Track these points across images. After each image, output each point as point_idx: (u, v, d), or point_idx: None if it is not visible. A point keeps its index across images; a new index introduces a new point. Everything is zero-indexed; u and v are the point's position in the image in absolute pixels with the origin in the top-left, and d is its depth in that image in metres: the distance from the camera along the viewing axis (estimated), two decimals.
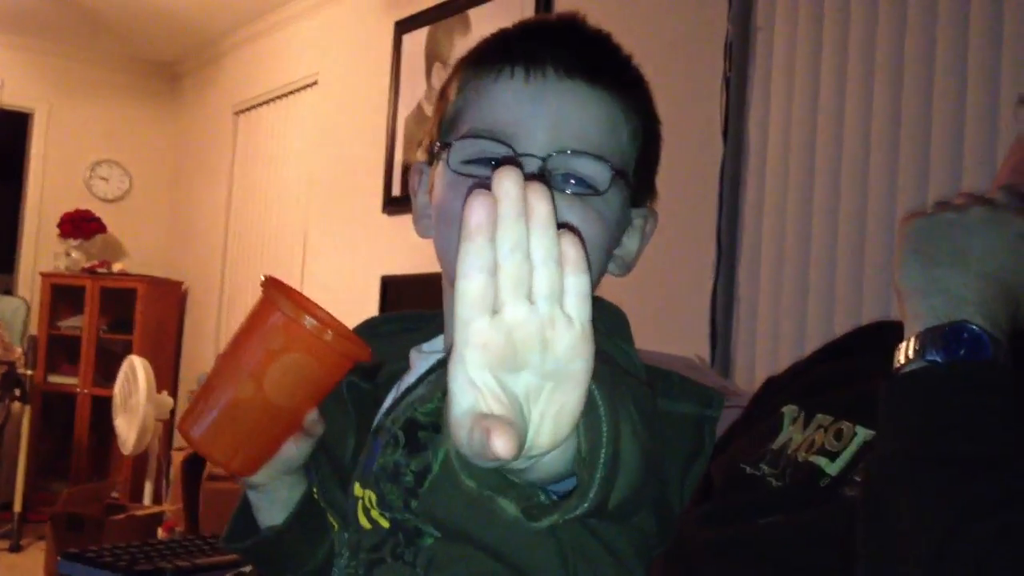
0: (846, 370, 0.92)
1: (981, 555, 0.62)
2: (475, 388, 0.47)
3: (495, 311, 0.46)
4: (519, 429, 0.47)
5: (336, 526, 0.88)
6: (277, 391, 0.78)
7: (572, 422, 0.49)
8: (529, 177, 0.47)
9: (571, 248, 0.46)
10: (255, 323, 0.79)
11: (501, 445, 0.45)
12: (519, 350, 0.47)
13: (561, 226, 0.47)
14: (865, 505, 0.71)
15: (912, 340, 0.74)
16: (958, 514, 0.64)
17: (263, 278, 0.80)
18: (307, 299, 0.82)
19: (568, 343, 0.47)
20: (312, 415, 0.82)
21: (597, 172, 0.79)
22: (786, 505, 0.81)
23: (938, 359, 0.71)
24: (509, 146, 0.79)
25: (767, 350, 2.41)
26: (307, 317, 0.76)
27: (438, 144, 0.85)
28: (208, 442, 0.81)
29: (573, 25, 0.87)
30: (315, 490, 0.89)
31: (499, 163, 0.78)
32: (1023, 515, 0.63)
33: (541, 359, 0.47)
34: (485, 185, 0.49)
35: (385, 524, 0.79)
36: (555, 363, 0.47)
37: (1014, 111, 0.91)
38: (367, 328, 0.93)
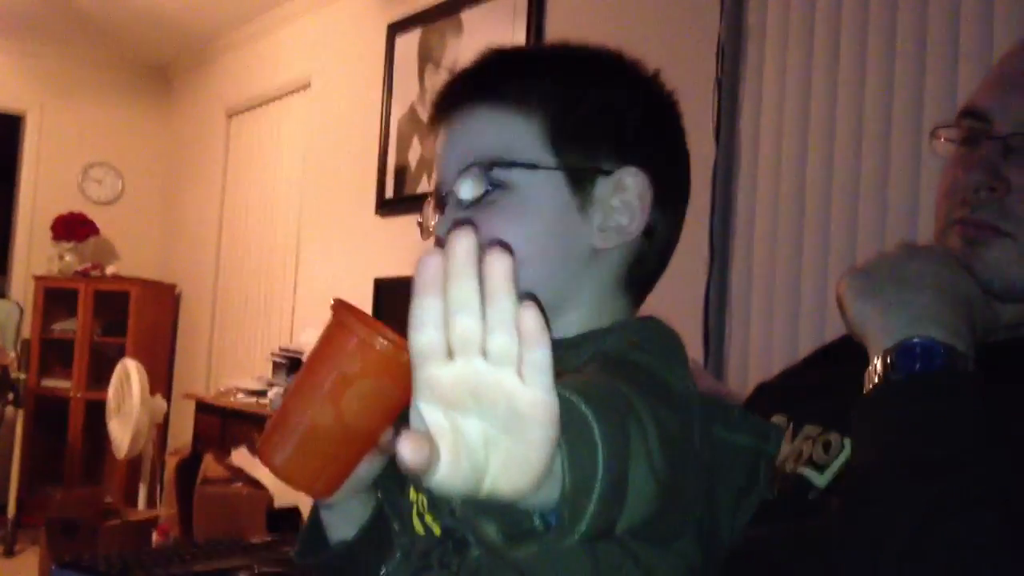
0: (835, 378, 0.92)
1: (945, 560, 0.64)
2: (423, 422, 0.50)
3: (449, 357, 0.49)
4: (455, 459, 0.49)
5: (397, 529, 0.89)
6: (355, 415, 0.78)
7: (532, 480, 0.50)
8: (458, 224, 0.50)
9: (529, 320, 0.48)
10: (328, 348, 0.79)
11: (407, 451, 0.47)
12: (468, 399, 0.49)
13: (525, 296, 0.48)
14: (839, 520, 0.73)
15: (875, 363, 0.77)
16: (918, 520, 0.66)
17: (333, 301, 0.80)
18: (376, 320, 0.81)
19: (521, 409, 0.48)
20: (388, 434, 0.82)
21: (481, 178, 0.82)
22: (774, 518, 0.81)
23: (899, 377, 0.74)
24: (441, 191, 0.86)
25: (760, 352, 2.41)
26: (380, 340, 0.76)
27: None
28: (290, 470, 0.80)
29: (479, 59, 0.90)
30: (379, 495, 0.91)
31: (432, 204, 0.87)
32: (979, 517, 0.65)
33: (492, 414, 0.49)
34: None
35: (437, 531, 0.80)
36: (507, 422, 0.49)
37: (930, 142, 0.97)
38: None
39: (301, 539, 0.93)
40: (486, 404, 0.49)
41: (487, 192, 0.81)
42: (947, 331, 0.75)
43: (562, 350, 0.74)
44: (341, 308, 0.79)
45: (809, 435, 0.87)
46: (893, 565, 0.65)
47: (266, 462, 0.80)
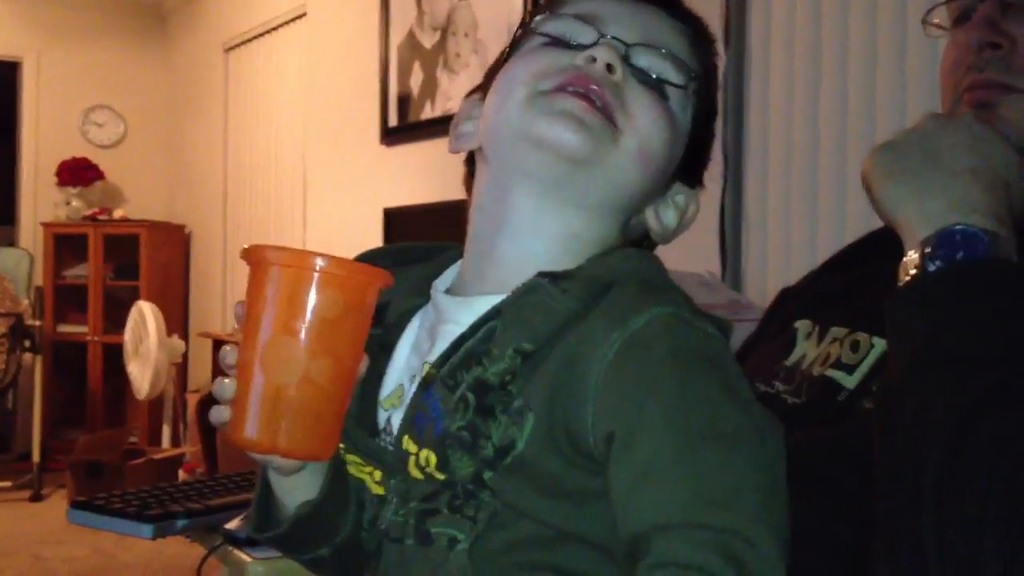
0: (860, 279, 0.89)
1: (991, 454, 0.61)
2: None
3: None
4: None
5: (366, 479, 0.81)
6: (347, 356, 0.72)
7: None
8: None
9: None
10: (293, 298, 0.71)
11: None
12: None
13: None
14: (877, 417, 0.69)
15: (911, 253, 0.72)
16: (963, 414, 0.62)
17: (244, 249, 0.73)
18: (307, 251, 0.75)
19: None
20: (365, 361, 0.76)
21: (675, 77, 0.77)
22: (804, 422, 0.78)
23: (939, 267, 0.70)
24: (595, 28, 0.76)
25: (778, 261, 2.37)
26: (358, 273, 0.71)
27: (520, 30, 0.81)
28: (302, 446, 0.72)
29: None
30: (341, 446, 0.81)
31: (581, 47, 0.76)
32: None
33: None
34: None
35: (440, 476, 0.74)
36: None
37: (924, 29, 0.94)
38: (366, 263, 0.86)
39: (255, 514, 0.84)
40: None
41: (670, 86, 0.77)
42: (989, 217, 0.70)
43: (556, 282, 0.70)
44: (257, 252, 0.72)
45: (836, 337, 0.83)
46: (939, 463, 0.61)
47: (266, 448, 0.72)
